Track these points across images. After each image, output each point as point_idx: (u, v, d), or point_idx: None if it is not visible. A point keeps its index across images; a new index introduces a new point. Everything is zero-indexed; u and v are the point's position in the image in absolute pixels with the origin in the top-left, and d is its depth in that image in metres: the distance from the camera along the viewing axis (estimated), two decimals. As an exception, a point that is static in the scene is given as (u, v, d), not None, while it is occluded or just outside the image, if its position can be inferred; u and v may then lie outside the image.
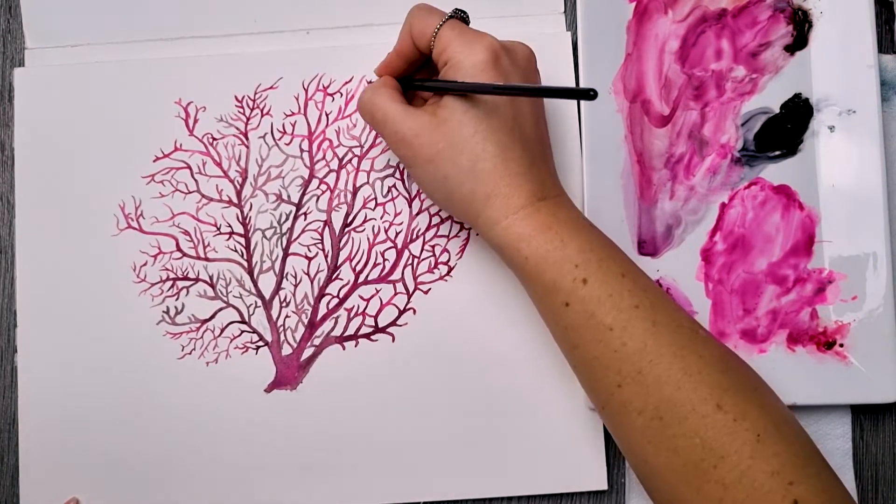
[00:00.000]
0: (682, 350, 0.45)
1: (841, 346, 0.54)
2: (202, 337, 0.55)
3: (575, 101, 0.56)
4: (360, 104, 0.51)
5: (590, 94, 0.41)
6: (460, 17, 0.50)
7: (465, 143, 0.47)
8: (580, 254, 0.47)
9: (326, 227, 0.56)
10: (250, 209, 0.56)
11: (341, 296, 0.56)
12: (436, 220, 0.56)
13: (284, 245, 0.56)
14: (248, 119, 0.56)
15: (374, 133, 0.56)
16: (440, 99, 0.49)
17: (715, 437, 0.44)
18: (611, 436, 0.55)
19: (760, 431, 0.44)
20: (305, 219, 0.56)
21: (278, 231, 0.56)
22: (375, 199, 0.56)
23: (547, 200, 0.48)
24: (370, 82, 0.56)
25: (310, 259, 0.56)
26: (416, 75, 0.53)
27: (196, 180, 0.56)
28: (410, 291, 0.56)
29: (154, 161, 0.56)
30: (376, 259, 0.56)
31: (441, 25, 0.49)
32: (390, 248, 0.56)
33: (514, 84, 0.47)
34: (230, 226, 0.56)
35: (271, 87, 0.57)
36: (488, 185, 0.47)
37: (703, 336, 0.47)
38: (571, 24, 0.57)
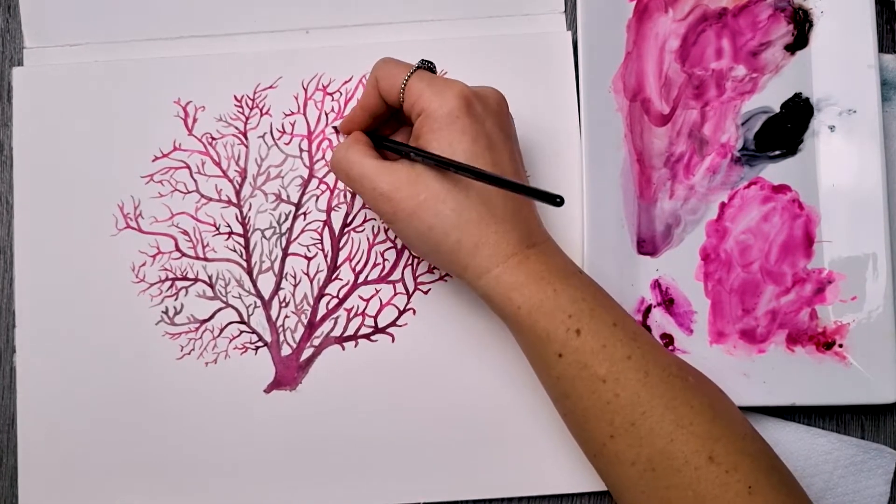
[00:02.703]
0: (674, 401, 0.46)
1: (840, 346, 0.54)
2: (201, 337, 0.55)
3: (575, 100, 0.56)
4: (333, 163, 0.50)
5: (556, 201, 0.41)
6: (427, 67, 0.49)
7: (447, 193, 0.47)
8: (573, 304, 0.47)
9: (326, 227, 0.56)
10: (249, 209, 0.56)
11: (341, 296, 0.56)
12: (435, 220, 0.56)
13: (284, 245, 0.56)
14: (247, 119, 0.56)
15: (373, 132, 0.56)
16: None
17: (707, 489, 0.44)
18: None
19: (752, 483, 0.45)
20: (305, 219, 0.56)
21: (278, 231, 0.56)
22: (375, 198, 0.56)
23: (536, 247, 0.48)
24: (337, 132, 0.56)
25: (309, 259, 0.56)
26: (381, 131, 0.53)
27: (195, 180, 0.56)
28: (410, 292, 0.56)
29: (153, 161, 0.56)
30: (376, 259, 0.56)
31: (409, 76, 0.48)
32: (390, 248, 0.56)
33: (483, 171, 0.45)
34: (229, 226, 0.56)
35: (271, 87, 0.56)
36: (475, 234, 0.47)
37: (693, 383, 0.47)
38: (571, 24, 0.57)
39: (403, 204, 0.47)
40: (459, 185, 0.47)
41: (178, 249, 0.56)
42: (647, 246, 0.56)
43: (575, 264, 0.50)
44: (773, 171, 0.56)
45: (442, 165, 0.46)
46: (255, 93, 0.56)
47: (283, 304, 0.55)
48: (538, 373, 0.49)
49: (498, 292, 0.47)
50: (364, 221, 0.56)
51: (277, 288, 0.56)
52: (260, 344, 0.55)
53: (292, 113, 0.56)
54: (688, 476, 0.45)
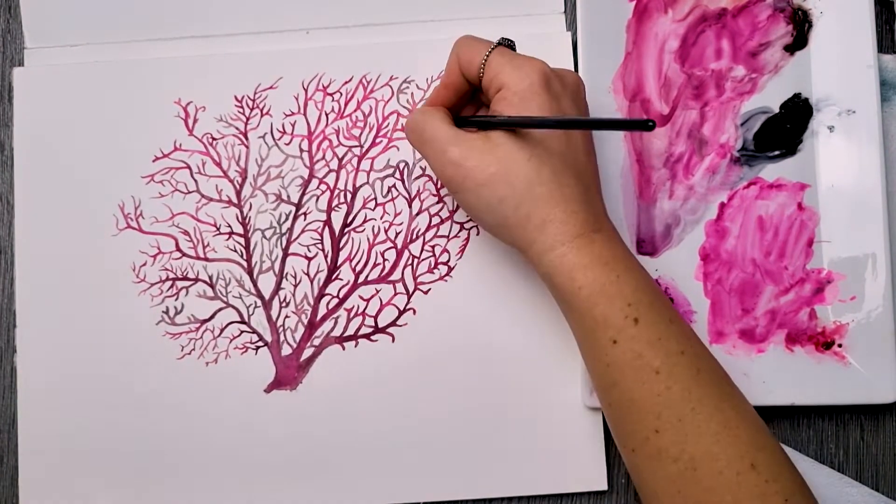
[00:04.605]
0: (723, 402, 0.45)
1: (839, 346, 0.54)
2: (202, 337, 0.55)
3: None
4: (407, 124, 0.50)
5: (648, 125, 0.40)
6: (507, 44, 0.49)
7: (520, 167, 0.46)
8: (634, 293, 0.46)
9: (326, 228, 0.56)
10: (250, 209, 0.56)
11: (341, 296, 0.56)
12: (436, 220, 0.56)
13: (284, 245, 0.56)
14: (247, 119, 0.56)
15: (373, 132, 0.56)
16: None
17: (746, 496, 0.44)
18: (612, 437, 0.55)
19: (788, 496, 0.44)
20: (305, 219, 0.56)
21: (278, 231, 0.56)
22: (375, 199, 0.56)
23: (601, 233, 0.47)
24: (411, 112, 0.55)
25: (309, 259, 0.56)
26: (462, 111, 0.53)
27: (196, 180, 0.56)
28: (410, 291, 0.56)
29: (153, 161, 0.56)
30: (376, 259, 0.56)
31: (490, 52, 0.48)
32: (390, 248, 0.56)
33: (571, 117, 0.46)
34: (230, 226, 0.56)
35: (271, 87, 0.56)
36: (544, 210, 0.46)
37: (738, 392, 0.47)
38: (571, 24, 0.57)
39: (474, 173, 0.47)
40: (532, 161, 0.46)
41: (178, 249, 0.56)
42: (647, 246, 0.56)
43: (635, 257, 0.49)
44: (773, 171, 0.56)
45: (526, 126, 0.46)
46: (255, 93, 0.56)
47: (284, 304, 0.55)
48: (587, 357, 0.48)
49: (561, 271, 0.47)
50: (364, 221, 0.56)
51: (278, 288, 0.56)
52: (260, 344, 0.55)
53: (292, 113, 0.56)
54: (728, 479, 0.44)
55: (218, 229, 0.56)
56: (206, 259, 0.56)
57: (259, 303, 0.55)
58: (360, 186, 0.56)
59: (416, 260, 0.56)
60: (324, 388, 0.55)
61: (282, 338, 0.55)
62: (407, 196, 0.56)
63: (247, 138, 0.56)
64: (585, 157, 0.49)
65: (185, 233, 0.56)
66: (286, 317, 0.55)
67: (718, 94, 0.57)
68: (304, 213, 0.56)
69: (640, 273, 0.48)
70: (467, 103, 0.53)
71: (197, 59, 0.56)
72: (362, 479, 0.54)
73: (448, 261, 0.56)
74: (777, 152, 0.56)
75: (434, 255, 0.56)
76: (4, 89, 0.57)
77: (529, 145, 0.47)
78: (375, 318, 0.56)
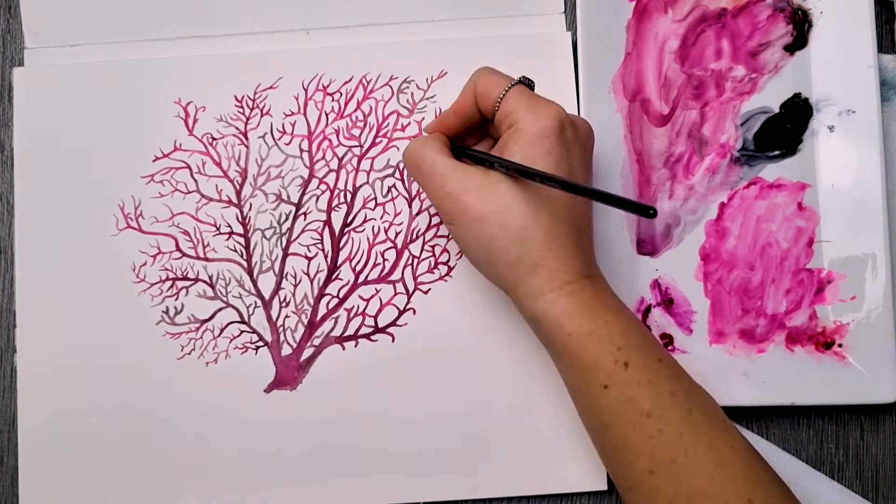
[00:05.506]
0: (716, 440, 0.45)
1: (840, 346, 0.54)
2: (202, 337, 0.55)
3: (575, 101, 0.56)
4: (406, 154, 0.50)
5: (649, 213, 0.40)
6: (527, 83, 0.49)
7: (517, 208, 0.46)
8: (622, 337, 0.46)
9: (326, 227, 0.56)
10: (250, 209, 0.56)
11: (341, 296, 0.56)
12: (436, 220, 0.56)
13: (284, 245, 0.56)
14: (247, 119, 0.56)
15: (373, 132, 0.56)
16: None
17: None
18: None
19: None
20: (305, 219, 0.56)
21: (278, 231, 0.56)
22: (375, 199, 0.56)
23: (590, 279, 0.48)
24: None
25: (309, 259, 0.56)
26: (464, 142, 0.52)
27: (196, 180, 0.56)
28: (410, 291, 0.56)
29: (153, 161, 0.56)
30: (376, 259, 0.56)
31: (509, 88, 0.48)
32: (390, 248, 0.56)
33: (575, 182, 0.44)
34: (230, 226, 0.56)
35: (271, 87, 0.56)
36: (536, 254, 0.46)
37: (731, 425, 0.47)
38: (571, 24, 0.57)
39: (470, 208, 0.47)
40: (530, 204, 0.46)
41: (178, 249, 0.56)
42: (647, 246, 0.56)
43: (621, 300, 0.49)
44: (773, 171, 0.56)
45: (527, 175, 0.45)
46: (255, 93, 0.56)
47: (284, 304, 0.56)
48: (579, 402, 0.49)
49: (549, 317, 0.47)
50: (364, 221, 0.56)
51: (278, 288, 0.56)
52: (260, 344, 0.55)
53: (293, 113, 0.56)
54: None
55: (218, 229, 0.56)
56: (206, 259, 0.56)
57: (259, 303, 0.55)
58: (360, 186, 0.56)
59: (416, 260, 0.56)
60: (324, 388, 0.55)
61: (282, 338, 0.55)
62: (407, 196, 0.56)
63: (247, 138, 0.56)
64: (584, 205, 0.49)
65: (185, 233, 0.56)
66: (286, 317, 0.55)
67: (718, 94, 0.57)
68: (304, 213, 0.56)
69: (627, 316, 0.48)
70: (471, 136, 0.53)
71: (197, 59, 0.57)
72: (362, 478, 0.54)
73: (448, 261, 0.56)
74: (777, 152, 0.56)
75: (434, 255, 0.56)
76: (4, 89, 0.57)
77: (529, 188, 0.47)
78: (375, 318, 0.56)
